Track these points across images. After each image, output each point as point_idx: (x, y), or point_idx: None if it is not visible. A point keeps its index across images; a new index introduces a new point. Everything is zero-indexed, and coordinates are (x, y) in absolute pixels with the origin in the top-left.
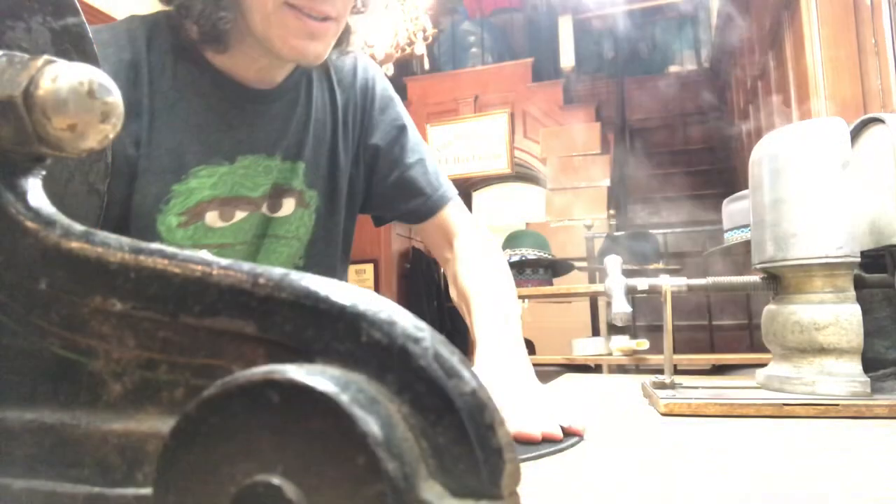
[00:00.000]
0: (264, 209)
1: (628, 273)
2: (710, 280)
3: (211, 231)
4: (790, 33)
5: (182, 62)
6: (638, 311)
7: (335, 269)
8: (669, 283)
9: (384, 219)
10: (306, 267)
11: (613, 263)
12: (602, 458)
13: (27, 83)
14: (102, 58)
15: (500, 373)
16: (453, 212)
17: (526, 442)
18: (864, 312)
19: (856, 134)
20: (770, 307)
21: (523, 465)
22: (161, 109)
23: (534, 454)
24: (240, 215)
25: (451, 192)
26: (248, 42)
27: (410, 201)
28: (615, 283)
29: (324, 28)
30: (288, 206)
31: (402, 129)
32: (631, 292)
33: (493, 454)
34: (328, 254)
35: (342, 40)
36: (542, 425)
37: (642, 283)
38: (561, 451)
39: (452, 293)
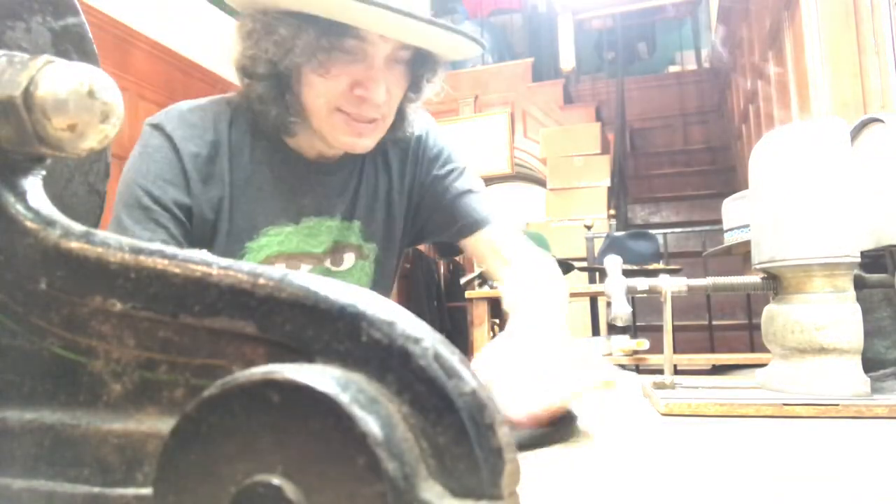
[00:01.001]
0: (327, 263)
1: (628, 273)
2: (709, 280)
3: None
4: (790, 33)
5: (258, 141)
6: (638, 311)
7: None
8: (669, 284)
9: (439, 250)
10: None
11: (613, 264)
12: (601, 458)
13: (27, 83)
14: (190, 137)
15: (525, 333)
16: (499, 232)
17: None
18: (864, 312)
19: (856, 134)
20: (770, 307)
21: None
22: (239, 180)
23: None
24: (305, 268)
25: (497, 216)
26: (311, 132)
27: (457, 224)
28: (615, 283)
29: (370, 128)
30: (349, 259)
31: (451, 171)
32: (631, 292)
33: (493, 454)
34: (383, 293)
35: (396, 127)
36: (528, 406)
37: (642, 284)
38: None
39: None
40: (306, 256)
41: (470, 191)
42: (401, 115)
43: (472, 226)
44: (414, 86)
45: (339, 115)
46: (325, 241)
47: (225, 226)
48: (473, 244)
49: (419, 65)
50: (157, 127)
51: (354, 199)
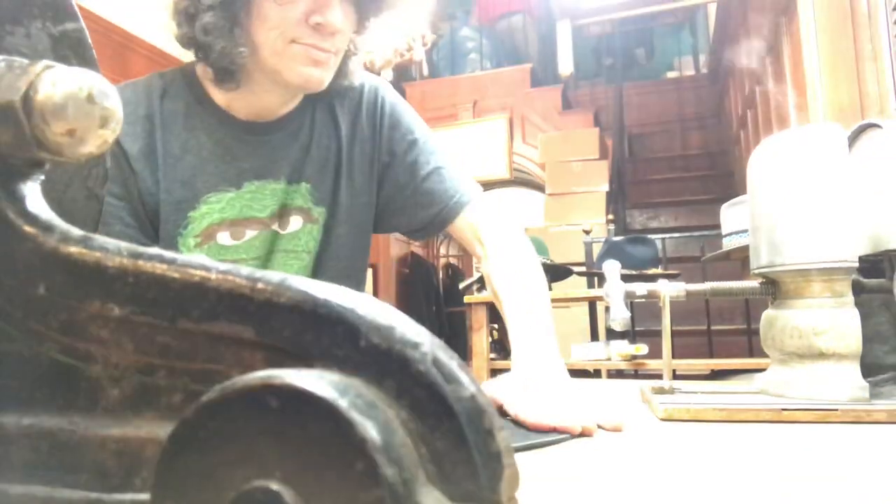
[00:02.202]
0: (275, 227)
1: (627, 278)
2: (708, 285)
3: (224, 249)
4: (788, 39)
5: (192, 107)
6: (637, 315)
7: (349, 281)
8: (668, 289)
9: (410, 233)
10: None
11: (612, 269)
12: (601, 463)
13: (26, 88)
14: (125, 115)
15: (537, 370)
16: (474, 213)
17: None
18: (863, 318)
19: (853, 139)
20: (768, 312)
21: (526, 461)
22: (174, 149)
23: (538, 441)
24: (250, 234)
25: (470, 193)
26: (256, 79)
27: (429, 210)
28: (614, 288)
29: (325, 57)
30: (296, 222)
31: (413, 143)
32: (630, 297)
33: (491, 459)
34: (339, 267)
35: (339, 75)
36: (581, 419)
37: (641, 289)
38: (556, 442)
39: (489, 290)
40: (251, 222)
41: (439, 167)
42: (344, 61)
43: (452, 210)
44: (359, 25)
45: (294, 46)
46: (269, 205)
47: (166, 198)
48: (453, 228)
49: (365, 2)
50: None
51: (301, 160)
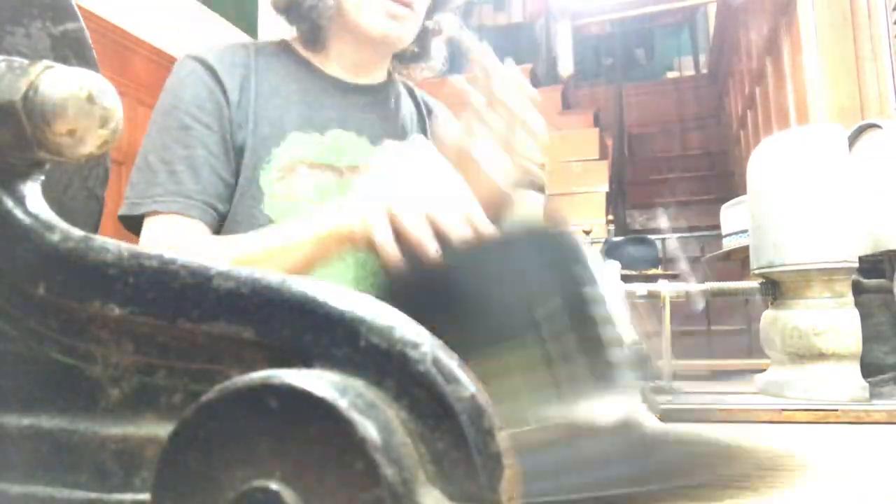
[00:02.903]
0: (351, 180)
1: (627, 279)
2: (708, 285)
3: (303, 185)
4: (788, 39)
5: (284, 60)
6: (638, 315)
7: None
8: (668, 289)
9: None
10: None
11: (611, 269)
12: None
13: (27, 88)
14: (219, 60)
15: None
16: None
17: None
18: (863, 318)
19: (853, 140)
20: (769, 312)
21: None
22: (264, 91)
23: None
24: (326, 179)
25: None
26: (342, 38)
27: None
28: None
29: (403, 12)
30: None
31: None
32: (630, 298)
33: (491, 459)
34: None
35: (424, 48)
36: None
37: (641, 289)
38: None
39: None
40: (329, 168)
41: None
42: (426, 36)
43: None
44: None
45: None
46: (348, 157)
47: (254, 132)
48: None
49: None
50: (196, 59)
51: (383, 125)
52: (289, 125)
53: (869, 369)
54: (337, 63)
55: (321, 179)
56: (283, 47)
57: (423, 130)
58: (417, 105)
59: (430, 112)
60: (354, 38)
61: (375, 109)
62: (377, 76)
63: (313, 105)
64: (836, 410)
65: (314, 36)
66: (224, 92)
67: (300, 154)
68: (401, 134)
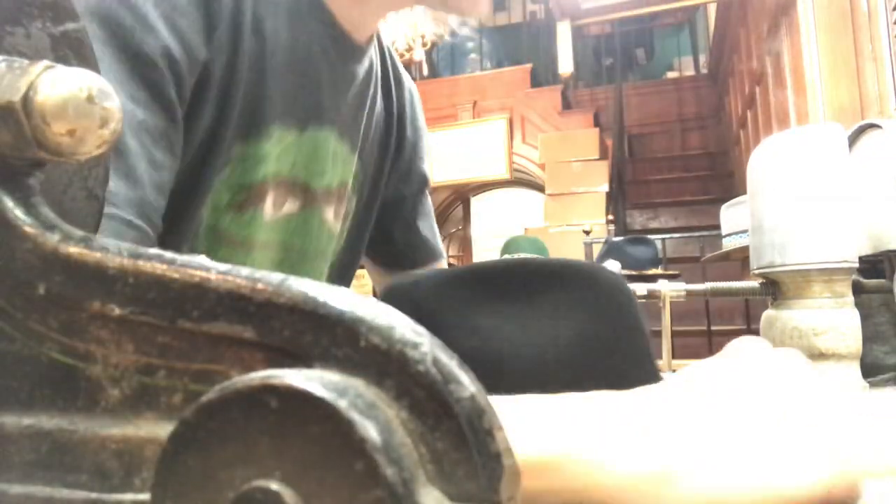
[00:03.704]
0: (328, 213)
1: (627, 279)
2: (708, 285)
3: (261, 226)
4: (788, 39)
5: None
6: None
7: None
8: (668, 289)
9: (377, 264)
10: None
11: (611, 269)
12: None
13: (26, 89)
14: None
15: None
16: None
17: None
18: (863, 318)
19: (854, 139)
20: (769, 312)
21: None
22: (252, 51)
23: None
24: (289, 208)
25: (442, 252)
26: None
27: (411, 246)
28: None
29: None
30: (339, 214)
31: (423, 179)
32: None
33: (491, 459)
34: (345, 276)
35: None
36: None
37: (641, 289)
38: None
39: None
40: (302, 191)
41: (430, 212)
42: None
43: (427, 257)
44: None
45: None
46: (331, 174)
47: (226, 117)
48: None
49: None
50: None
51: (364, 124)
52: (270, 111)
53: (869, 369)
54: (345, 14)
55: (285, 210)
56: None
57: (390, 115)
58: (385, 76)
59: (402, 86)
60: None
61: (364, 87)
62: (374, 26)
63: (304, 80)
64: None
65: None
66: (189, 50)
67: (274, 165)
68: (376, 137)
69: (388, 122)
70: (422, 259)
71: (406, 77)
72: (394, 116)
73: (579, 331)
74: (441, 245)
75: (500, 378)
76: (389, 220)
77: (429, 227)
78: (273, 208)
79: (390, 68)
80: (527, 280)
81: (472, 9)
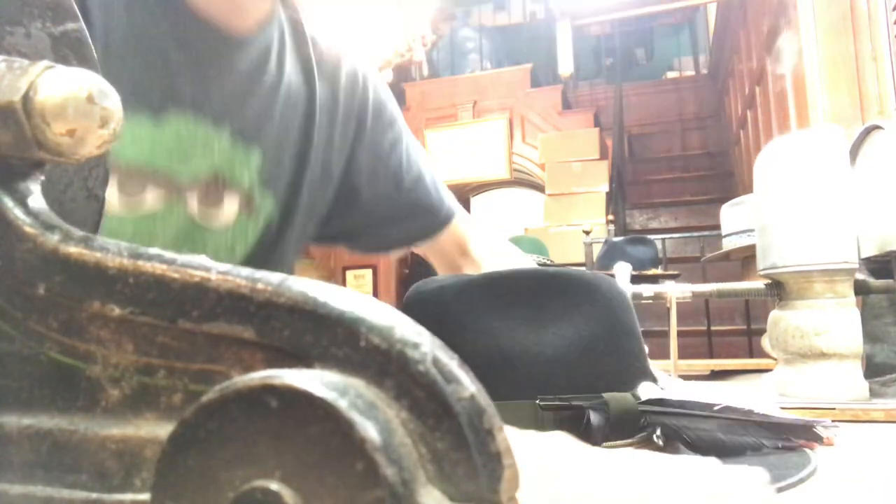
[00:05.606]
0: (192, 204)
1: (633, 278)
2: (714, 286)
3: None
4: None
5: None
6: (638, 316)
7: None
8: (675, 290)
9: (386, 244)
10: None
11: (623, 271)
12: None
13: (27, 89)
14: None
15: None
16: (462, 223)
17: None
18: (870, 318)
19: (860, 142)
20: (774, 313)
21: None
22: (101, 33)
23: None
24: (152, 200)
25: (455, 203)
26: None
27: (418, 220)
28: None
29: None
30: (229, 207)
31: (398, 142)
32: (637, 299)
33: (491, 459)
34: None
35: None
36: None
37: (647, 290)
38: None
39: None
40: (160, 178)
41: (422, 175)
42: None
43: (438, 224)
44: None
45: None
46: (195, 164)
47: None
48: (434, 243)
49: None
50: None
51: (263, 113)
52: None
53: (877, 369)
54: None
55: (147, 203)
56: None
57: (311, 100)
58: (309, 71)
59: (323, 67)
60: None
61: (251, 76)
62: (259, 14)
63: (156, 64)
64: (834, 409)
65: None
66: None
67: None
68: (284, 125)
69: (308, 110)
70: (440, 225)
71: (356, 64)
72: (316, 104)
73: (581, 333)
74: (450, 202)
75: (512, 372)
76: (392, 220)
77: (424, 191)
78: (124, 196)
79: (314, 55)
80: (537, 287)
81: None
